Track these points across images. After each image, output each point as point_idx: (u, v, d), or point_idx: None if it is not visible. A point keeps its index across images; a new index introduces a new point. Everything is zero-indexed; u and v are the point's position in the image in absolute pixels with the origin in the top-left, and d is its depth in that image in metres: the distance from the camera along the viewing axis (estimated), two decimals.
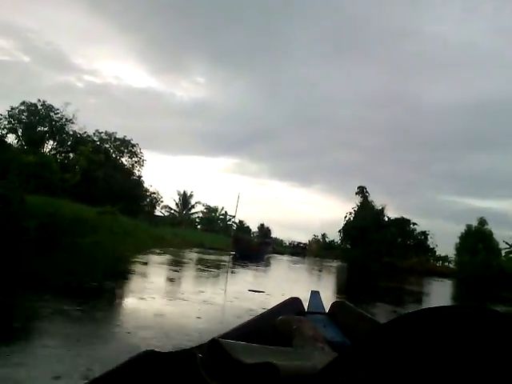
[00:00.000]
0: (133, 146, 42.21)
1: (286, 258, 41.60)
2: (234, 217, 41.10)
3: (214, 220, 49.15)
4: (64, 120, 35.83)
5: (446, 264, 45.51)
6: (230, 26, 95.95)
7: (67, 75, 72.52)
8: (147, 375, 0.98)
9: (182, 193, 61.00)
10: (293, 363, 1.05)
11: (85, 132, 37.86)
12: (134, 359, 1.01)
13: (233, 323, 1.66)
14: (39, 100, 35.56)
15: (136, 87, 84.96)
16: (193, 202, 61.49)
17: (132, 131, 74.48)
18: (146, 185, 43.83)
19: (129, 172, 39.78)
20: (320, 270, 26.26)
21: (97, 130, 40.51)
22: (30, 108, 35.13)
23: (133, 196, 35.99)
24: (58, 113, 35.73)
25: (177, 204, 61.33)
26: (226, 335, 1.39)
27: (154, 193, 60.22)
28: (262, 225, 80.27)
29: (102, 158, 30.73)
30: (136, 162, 43.19)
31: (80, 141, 36.01)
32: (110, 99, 74.37)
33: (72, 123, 35.90)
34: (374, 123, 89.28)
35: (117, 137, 41.28)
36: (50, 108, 35.71)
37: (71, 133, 36.00)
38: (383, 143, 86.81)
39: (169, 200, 60.76)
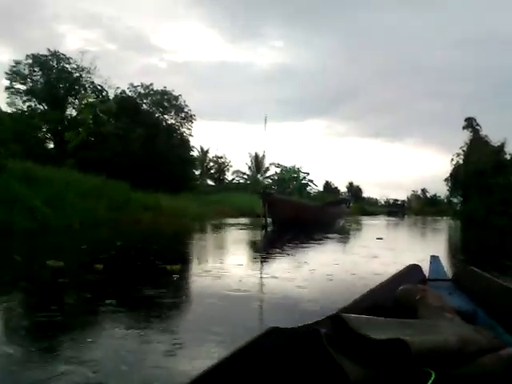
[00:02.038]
0: (175, 98, 34.73)
1: (378, 220, 31.98)
2: (264, 156, 32.81)
3: (285, 181, 40.98)
4: (81, 70, 28.98)
5: None
6: None
7: (150, 57, 73.37)
8: (274, 352, 1.00)
9: (253, 155, 53.13)
10: (423, 338, 0.98)
11: (118, 87, 30.86)
12: (260, 336, 1.04)
13: None
14: (49, 50, 28.77)
15: (215, 60, 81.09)
16: (267, 164, 53.57)
17: (215, 105, 75.06)
18: (210, 149, 36.42)
19: (169, 130, 32.30)
20: (425, 238, 16.80)
21: (131, 84, 33.52)
22: (39, 60, 28.40)
23: (172, 158, 28.26)
24: (71, 63, 28.93)
25: (249, 167, 53.70)
26: (347, 309, 1.35)
27: (221, 157, 53.47)
28: (351, 183, 70.82)
29: (113, 108, 23.18)
30: (183, 119, 35.83)
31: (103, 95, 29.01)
32: (191, 75, 71.97)
33: (88, 73, 28.86)
34: (467, 66, 74.90)
35: (155, 89, 34.11)
36: (62, 58, 28.91)
37: (90, 85, 28.92)
38: (481, 86, 72.50)
39: (241, 165, 53.59)
